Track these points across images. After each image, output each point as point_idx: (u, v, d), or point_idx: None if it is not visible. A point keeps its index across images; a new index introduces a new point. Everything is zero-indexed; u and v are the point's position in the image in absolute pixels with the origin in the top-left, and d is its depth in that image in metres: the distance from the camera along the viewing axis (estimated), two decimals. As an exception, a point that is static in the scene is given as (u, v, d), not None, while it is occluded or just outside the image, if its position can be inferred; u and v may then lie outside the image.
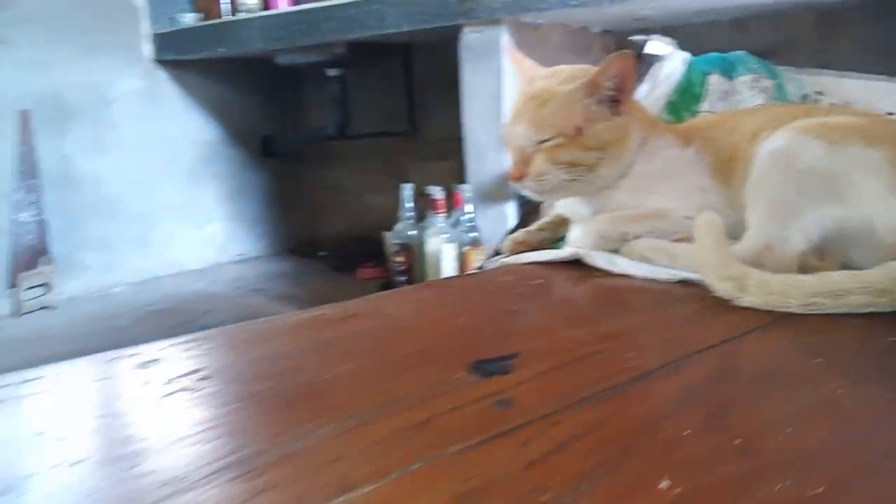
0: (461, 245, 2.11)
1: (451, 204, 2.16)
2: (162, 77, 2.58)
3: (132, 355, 0.58)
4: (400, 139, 2.73)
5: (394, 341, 0.61)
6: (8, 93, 2.23)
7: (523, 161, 0.81)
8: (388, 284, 2.46)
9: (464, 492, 0.38)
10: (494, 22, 1.95)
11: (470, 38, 2.01)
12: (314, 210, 3.12)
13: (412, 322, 0.67)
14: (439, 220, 2.14)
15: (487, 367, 0.54)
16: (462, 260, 2.10)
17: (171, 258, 2.65)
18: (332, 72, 2.55)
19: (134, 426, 0.48)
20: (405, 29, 2.07)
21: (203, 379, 0.54)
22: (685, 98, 1.15)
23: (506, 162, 2.05)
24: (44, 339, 2.08)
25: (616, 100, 0.81)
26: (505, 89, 1.99)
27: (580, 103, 0.80)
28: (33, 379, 0.53)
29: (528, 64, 0.89)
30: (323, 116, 2.78)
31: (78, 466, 0.42)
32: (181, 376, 0.55)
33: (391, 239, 2.34)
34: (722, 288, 0.66)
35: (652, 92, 1.17)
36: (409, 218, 2.25)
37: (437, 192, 2.15)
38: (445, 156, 2.56)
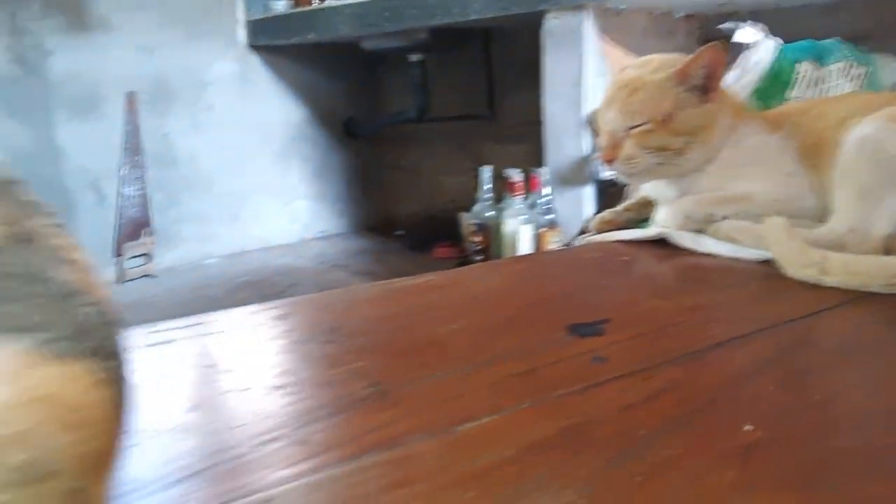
0: (538, 226, 2.17)
1: (529, 186, 2.21)
2: (254, 62, 2.74)
3: (271, 308, 0.68)
4: (477, 122, 2.80)
5: (494, 306, 0.69)
6: (118, 75, 2.43)
7: (614, 145, 0.86)
8: (464, 263, 2.54)
9: (567, 426, 0.46)
10: (578, 8, 1.98)
11: (553, 23, 2.04)
12: (392, 190, 3.24)
13: (509, 290, 0.74)
14: (517, 201, 2.20)
15: (582, 330, 0.61)
16: (538, 241, 2.16)
17: (259, 233, 2.82)
18: (413, 57, 2.64)
19: (285, 364, 0.58)
20: (489, 15, 2.12)
21: (331, 331, 0.63)
22: (774, 85, 1.16)
23: (585, 146, 2.09)
24: (146, 305, 2.27)
25: (706, 87, 0.85)
26: (587, 75, 2.02)
27: (671, 91, 0.84)
28: (197, 324, 0.63)
29: (619, 53, 0.94)
30: (403, 100, 2.87)
31: (246, 393, 0.52)
32: (312, 328, 0.64)
33: (469, 219, 2.41)
34: (805, 274, 0.70)
35: (741, 78, 1.19)
36: (487, 199, 2.32)
37: (515, 175, 2.21)
38: (522, 139, 2.61)
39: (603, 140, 0.89)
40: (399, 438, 0.44)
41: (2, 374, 0.24)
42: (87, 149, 2.38)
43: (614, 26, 2.08)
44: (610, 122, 0.87)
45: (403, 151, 3.16)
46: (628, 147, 0.85)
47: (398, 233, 3.06)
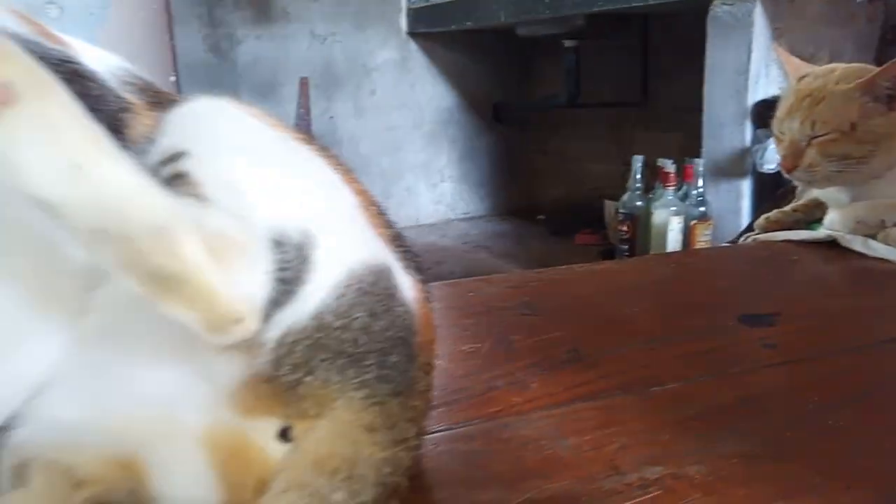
0: (688, 219, 2.19)
1: (682, 177, 2.23)
2: (413, 48, 2.94)
3: (466, 283, 0.83)
4: (628, 109, 2.83)
5: (670, 293, 0.80)
6: (294, 62, 2.72)
7: (795, 154, 0.93)
8: (607, 252, 2.61)
9: (744, 396, 0.56)
10: (748, -5, 1.97)
11: (719, 10, 2.05)
12: (535, 175, 3.34)
13: (682, 280, 0.84)
14: (668, 192, 2.23)
15: (753, 320, 0.70)
16: (688, 234, 2.19)
17: (408, 212, 3.05)
18: (567, 42, 2.71)
19: (494, 329, 0.72)
20: (651, 2, 2.16)
21: (528, 306, 0.77)
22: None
23: (746, 137, 2.08)
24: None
25: (891, 97, 0.89)
26: (754, 64, 2.01)
27: (856, 101, 0.89)
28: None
29: (795, 61, 1.00)
30: (552, 85, 2.96)
31: (473, 351, 0.67)
32: (512, 302, 0.78)
33: (616, 208, 2.47)
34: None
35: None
36: (636, 189, 2.37)
37: (668, 165, 2.24)
38: (675, 127, 2.61)
39: (783, 148, 0.95)
40: (600, 393, 0.57)
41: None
42: (266, 129, 2.70)
43: (786, 14, 2.04)
44: (792, 131, 0.93)
45: (550, 137, 3.26)
46: (810, 156, 0.91)
47: (540, 217, 3.17)
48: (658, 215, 2.24)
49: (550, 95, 2.98)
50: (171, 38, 1.98)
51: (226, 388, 0.33)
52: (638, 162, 2.37)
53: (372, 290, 0.36)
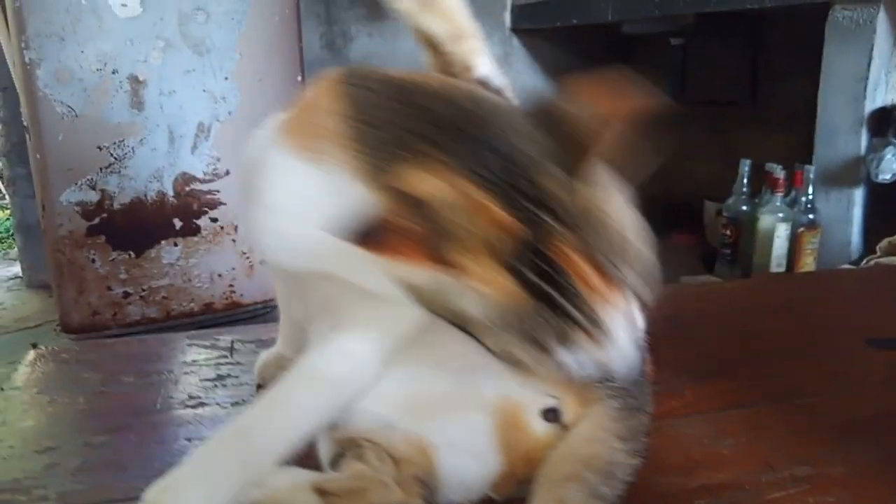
0: (796, 226, 2.22)
1: (791, 183, 2.26)
2: (515, 44, 3.05)
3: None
4: (733, 109, 2.85)
5: (799, 312, 0.90)
6: (402, 58, 2.88)
7: None
8: (707, 254, 2.66)
9: (878, 412, 0.67)
10: (870, 0, 1.98)
11: (840, 15, 2.06)
12: (632, 171, 3.40)
13: (808, 300, 0.94)
14: (776, 198, 2.26)
15: (879, 343, 0.80)
16: (794, 241, 2.22)
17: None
18: (674, 41, 2.76)
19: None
20: (767, 5, 2.18)
21: (671, 318, 0.89)
22: None
23: (862, 145, 2.10)
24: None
25: None
26: (873, 72, 2.03)
27: None
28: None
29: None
30: (656, 82, 3.01)
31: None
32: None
33: (717, 209, 2.52)
34: None
35: None
36: (743, 192, 2.41)
37: (777, 170, 2.27)
38: (783, 130, 2.63)
39: None
40: (746, 402, 0.69)
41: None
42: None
43: (912, 19, 2.03)
44: None
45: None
46: None
47: (635, 214, 3.22)
48: (764, 221, 2.28)
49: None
50: (300, 40, 2.16)
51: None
52: (745, 165, 2.40)
53: None
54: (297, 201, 0.48)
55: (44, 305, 2.30)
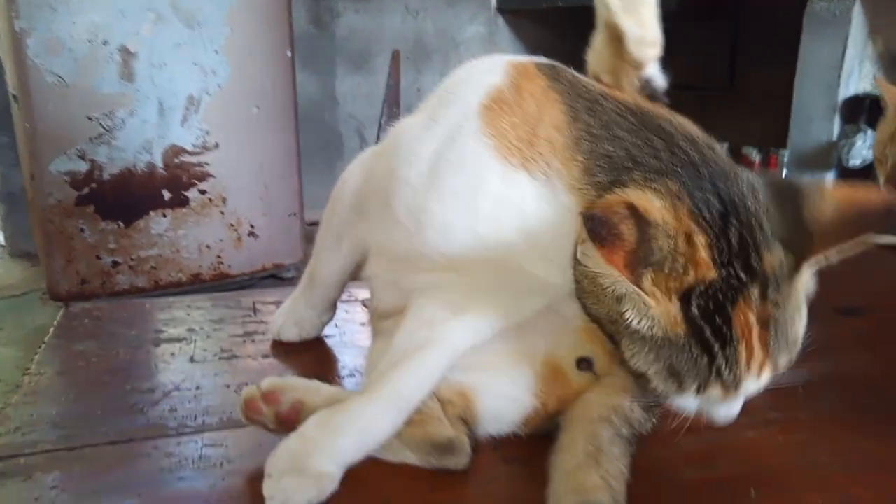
0: (769, 208, 2.34)
1: (766, 166, 2.38)
2: (500, 24, 3.10)
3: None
4: (712, 93, 2.95)
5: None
6: (387, 35, 2.92)
7: None
8: (683, 234, 2.78)
9: (835, 371, 0.76)
10: (849, -6, 2.08)
11: (818, 6, 2.16)
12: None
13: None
14: (751, 181, 2.38)
15: (846, 311, 0.90)
16: (768, 222, 2.34)
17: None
18: (657, 25, 2.84)
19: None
20: (749, -9, 2.28)
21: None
22: None
23: (834, 131, 2.21)
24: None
25: None
26: (847, 61, 2.13)
27: None
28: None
29: (893, 89, 1.16)
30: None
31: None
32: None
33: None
34: None
35: None
36: (719, 176, 2.52)
37: (753, 154, 2.39)
38: (759, 114, 2.74)
39: (887, 169, 1.13)
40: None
41: None
42: (357, 99, 2.92)
43: (885, 10, 2.14)
44: (893, 155, 1.10)
45: (630, 116, 3.39)
46: None
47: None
48: (739, 203, 2.40)
49: (635, 76, 3.11)
50: (290, 14, 2.19)
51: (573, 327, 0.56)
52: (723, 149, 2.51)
53: None
54: (493, 204, 0.52)
55: (27, 274, 2.32)
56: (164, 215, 2.05)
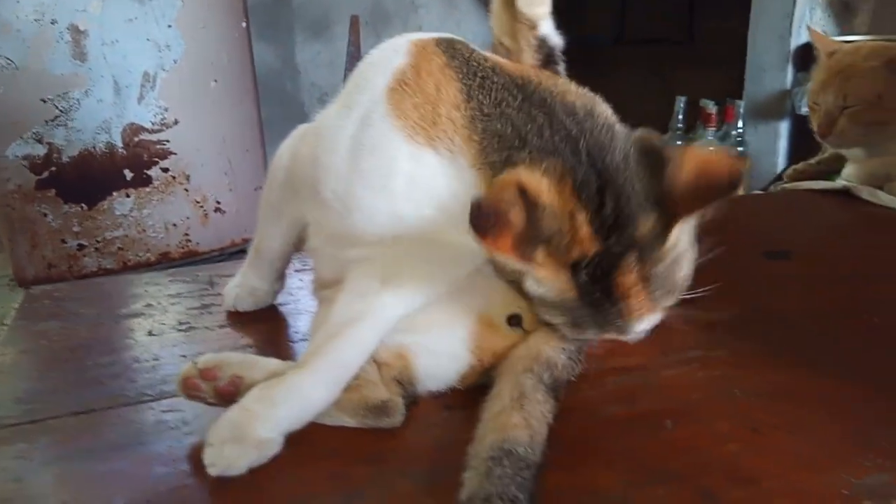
0: (728, 159, 2.40)
1: (723, 118, 2.43)
2: (459, -16, 3.10)
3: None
4: (670, 47, 2.98)
5: (709, 230, 1.05)
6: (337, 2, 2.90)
7: (829, 122, 1.16)
8: (647, 189, 2.83)
9: (758, 307, 0.82)
10: (796, -58, 2.11)
11: (768, -45, 2.19)
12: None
13: (721, 222, 1.09)
14: (709, 132, 2.43)
15: (772, 255, 0.96)
16: (726, 173, 2.40)
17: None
18: (615, -20, 2.85)
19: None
20: (702, -56, 2.30)
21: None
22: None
23: (788, 80, 2.26)
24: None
25: (910, 69, 1.11)
26: (798, 9, 2.18)
27: (882, 76, 1.12)
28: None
29: (826, 40, 1.20)
30: (597, 23, 3.11)
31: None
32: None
33: (657, 147, 2.68)
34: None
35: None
36: (679, 128, 2.57)
37: (710, 106, 2.43)
38: (719, 66, 2.77)
39: (819, 118, 1.18)
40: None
41: None
42: (319, 67, 2.92)
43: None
44: (827, 103, 1.15)
45: (594, 74, 3.41)
46: (842, 124, 1.14)
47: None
48: (698, 155, 2.45)
49: (594, 33, 3.13)
50: (243, -16, 2.18)
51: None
52: (681, 102, 2.55)
53: None
54: (407, 183, 0.56)
55: (-7, 262, 2.32)
56: (128, 195, 2.06)
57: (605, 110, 0.58)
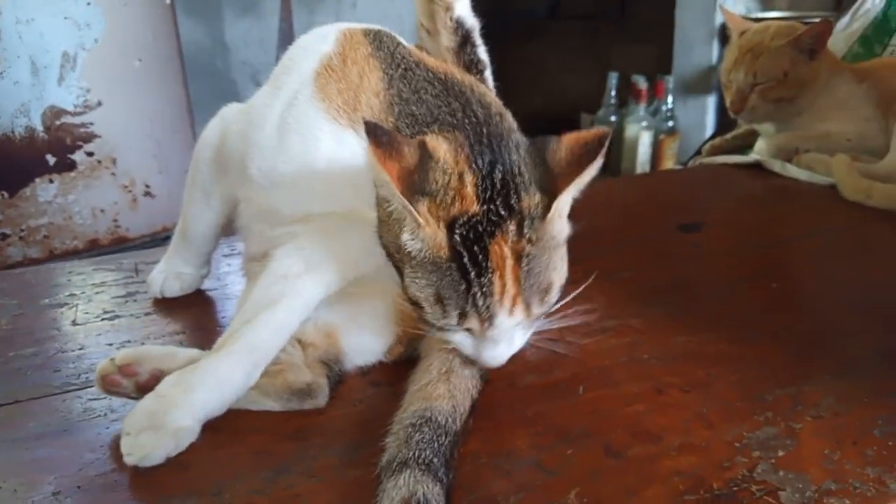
0: (658, 133, 2.49)
1: (653, 93, 2.51)
2: (393, -42, 3.07)
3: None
4: (606, 22, 3.04)
5: (631, 209, 1.11)
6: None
7: (741, 99, 1.23)
8: (583, 163, 2.90)
9: (673, 279, 0.88)
10: (719, -81, 2.18)
11: (691, -68, 2.26)
12: (514, 87, 3.55)
13: (640, 198, 1.15)
14: (640, 108, 2.51)
15: (686, 227, 1.02)
16: (657, 147, 2.49)
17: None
18: (547, -44, 2.89)
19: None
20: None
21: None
22: (878, 32, 1.42)
23: (714, 55, 2.34)
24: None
25: (813, 50, 1.18)
26: (720, -14, 2.25)
27: (787, 55, 1.18)
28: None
29: (737, 18, 1.27)
30: (533, -3, 3.14)
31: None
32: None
33: (592, 121, 2.75)
34: (855, 197, 1.06)
35: (849, 25, 1.45)
36: (611, 104, 2.64)
37: (641, 82, 2.51)
38: (650, 42, 2.85)
39: (731, 94, 1.24)
40: (579, 280, 0.88)
41: None
42: (250, 45, 2.87)
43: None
44: (738, 80, 1.22)
45: (529, 50, 3.46)
46: (753, 100, 1.21)
47: (518, 129, 3.42)
48: (630, 130, 2.53)
49: (530, 8, 3.16)
50: (165, -41, 2.12)
51: None
52: (613, 78, 2.62)
53: None
54: (328, 162, 0.59)
55: None
56: (51, 181, 2.00)
57: (511, 120, 0.63)
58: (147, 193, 2.14)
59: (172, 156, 2.15)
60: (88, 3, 1.94)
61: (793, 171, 1.19)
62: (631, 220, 1.06)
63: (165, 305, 0.82)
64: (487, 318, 0.54)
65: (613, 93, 2.62)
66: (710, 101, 2.41)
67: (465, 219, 0.52)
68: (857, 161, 1.10)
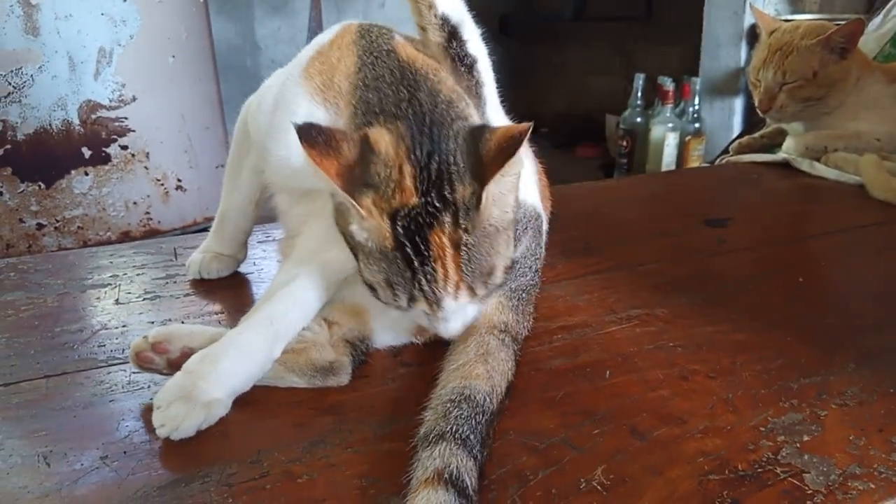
0: (684, 135, 2.48)
1: (680, 95, 2.50)
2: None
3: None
4: (632, 24, 3.05)
5: (656, 204, 1.11)
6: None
7: (769, 98, 1.23)
8: (606, 165, 2.91)
9: (696, 272, 0.89)
10: (750, -79, 2.18)
11: (721, -66, 2.25)
12: (540, 88, 3.58)
13: (666, 193, 1.16)
14: (667, 109, 2.51)
15: (712, 222, 1.03)
16: (682, 148, 2.48)
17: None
18: (576, -43, 2.90)
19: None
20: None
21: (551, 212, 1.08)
22: (911, 33, 1.42)
23: (742, 57, 2.34)
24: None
25: (844, 50, 1.18)
26: (750, -12, 2.25)
27: (817, 54, 1.19)
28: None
29: (767, 17, 1.27)
30: (558, 1, 3.15)
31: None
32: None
33: (617, 122, 2.75)
34: (883, 196, 1.07)
35: (881, 26, 1.45)
36: (637, 105, 2.64)
37: (667, 83, 2.50)
38: (676, 43, 2.85)
39: (760, 93, 1.25)
40: (603, 270, 0.90)
41: None
42: (279, 43, 2.92)
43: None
44: (766, 79, 1.22)
45: (555, 51, 3.47)
46: (781, 99, 1.21)
47: (543, 130, 3.43)
48: (656, 131, 2.53)
49: (556, 10, 3.17)
50: (200, -41, 2.17)
51: None
52: (640, 79, 2.62)
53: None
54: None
55: (-53, 242, 2.29)
56: (87, 174, 2.06)
57: (464, 107, 0.63)
58: (179, 187, 2.19)
59: (204, 151, 2.20)
60: (125, 0, 1.99)
61: (821, 169, 1.19)
62: (658, 214, 1.07)
63: (203, 287, 0.85)
64: (435, 302, 0.58)
65: (639, 94, 2.62)
66: (738, 103, 2.40)
67: (405, 211, 0.55)
68: (885, 161, 1.10)
